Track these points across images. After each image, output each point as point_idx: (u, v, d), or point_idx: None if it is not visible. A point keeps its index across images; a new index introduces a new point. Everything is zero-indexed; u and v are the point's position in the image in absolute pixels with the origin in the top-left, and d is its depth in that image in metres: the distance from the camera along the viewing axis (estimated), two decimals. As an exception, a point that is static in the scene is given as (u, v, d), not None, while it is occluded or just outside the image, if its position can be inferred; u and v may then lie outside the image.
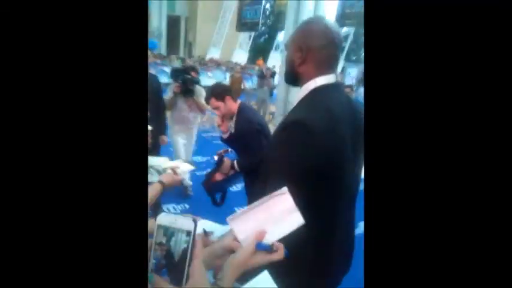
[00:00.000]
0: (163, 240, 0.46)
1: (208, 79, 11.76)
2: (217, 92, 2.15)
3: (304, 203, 0.87)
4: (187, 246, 0.46)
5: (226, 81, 7.60)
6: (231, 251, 0.65)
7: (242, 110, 2.15)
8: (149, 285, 0.45)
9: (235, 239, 0.66)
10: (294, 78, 0.97)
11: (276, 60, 14.34)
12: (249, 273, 0.63)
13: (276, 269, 0.65)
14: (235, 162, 1.99)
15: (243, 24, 16.47)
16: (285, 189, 0.68)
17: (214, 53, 17.90)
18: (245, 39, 18.23)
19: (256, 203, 0.67)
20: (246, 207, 0.67)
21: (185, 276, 0.45)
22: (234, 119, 2.13)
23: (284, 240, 0.65)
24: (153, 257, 0.46)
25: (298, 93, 0.98)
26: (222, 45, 18.39)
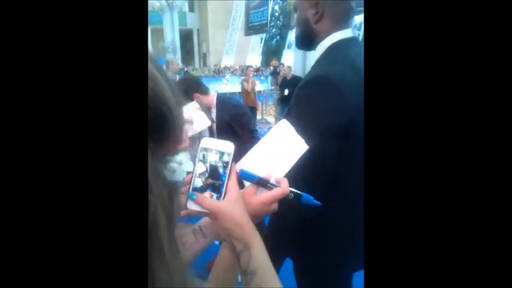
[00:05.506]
0: (206, 160, 0.53)
1: (225, 86, 11.96)
2: (182, 91, 1.95)
3: (329, 163, 0.82)
4: (228, 165, 0.53)
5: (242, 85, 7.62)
6: None
7: (221, 99, 2.04)
8: (189, 203, 0.51)
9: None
10: (308, 38, 0.93)
11: (290, 58, 14.29)
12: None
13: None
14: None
15: (250, 28, 16.46)
16: (284, 120, 0.65)
17: (228, 61, 18.16)
18: (257, 42, 18.32)
19: (259, 142, 0.65)
20: (251, 150, 0.64)
21: (224, 191, 0.52)
22: (214, 111, 2.02)
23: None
24: (197, 176, 0.53)
25: (314, 54, 0.93)
26: (234, 51, 18.63)
